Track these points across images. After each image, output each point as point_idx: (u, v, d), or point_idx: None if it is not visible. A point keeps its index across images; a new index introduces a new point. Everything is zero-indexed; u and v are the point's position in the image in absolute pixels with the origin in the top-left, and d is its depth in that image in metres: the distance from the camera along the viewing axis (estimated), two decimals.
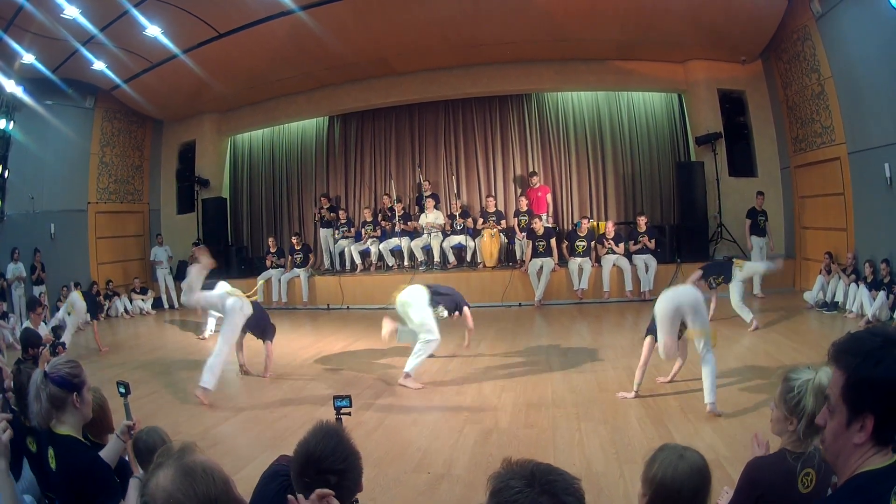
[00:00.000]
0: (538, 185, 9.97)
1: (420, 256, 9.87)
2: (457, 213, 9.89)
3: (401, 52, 9.55)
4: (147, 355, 6.91)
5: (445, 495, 2.99)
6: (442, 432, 3.85)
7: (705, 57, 9.50)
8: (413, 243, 9.84)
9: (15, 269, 9.23)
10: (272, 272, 10.11)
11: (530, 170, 10.36)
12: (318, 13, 7.88)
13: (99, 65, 9.10)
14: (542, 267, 8.78)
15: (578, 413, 4.05)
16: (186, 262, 11.11)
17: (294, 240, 10.28)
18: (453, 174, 10.63)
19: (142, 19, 7.78)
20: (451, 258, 9.76)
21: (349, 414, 2.21)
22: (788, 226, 9.23)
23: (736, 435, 3.40)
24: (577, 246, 8.93)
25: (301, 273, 9.90)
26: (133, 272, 11.30)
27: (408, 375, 4.88)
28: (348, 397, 2.24)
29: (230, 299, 5.00)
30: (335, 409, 2.21)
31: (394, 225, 10.02)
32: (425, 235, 9.87)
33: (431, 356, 5.25)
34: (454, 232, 9.83)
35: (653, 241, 8.83)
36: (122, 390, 2.48)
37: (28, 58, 8.52)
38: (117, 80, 9.82)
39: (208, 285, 5.09)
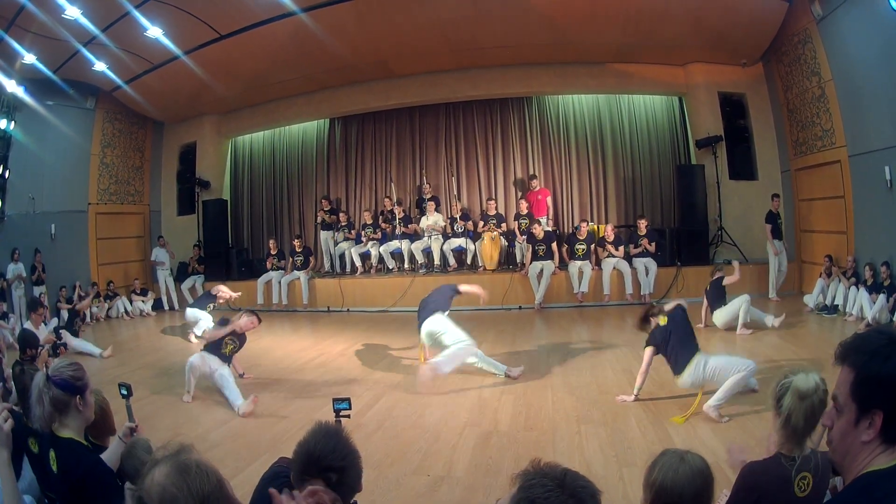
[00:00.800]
0: (538, 188, 9.97)
1: (420, 259, 9.87)
2: (457, 216, 9.88)
3: (401, 55, 9.56)
4: (147, 356, 6.90)
5: (445, 497, 2.99)
6: (442, 435, 3.84)
7: (706, 60, 9.51)
8: (413, 246, 9.85)
9: (15, 270, 9.24)
10: (272, 274, 10.11)
11: (530, 173, 10.37)
12: (319, 15, 7.90)
13: (100, 65, 9.12)
14: (542, 270, 8.77)
15: (578, 416, 4.05)
16: (186, 264, 11.15)
17: (295, 242, 10.27)
18: (453, 177, 10.64)
19: (143, 20, 7.79)
20: (452, 261, 9.74)
21: (349, 416, 2.21)
22: (789, 229, 9.22)
23: (735, 438, 3.39)
24: (577, 249, 8.92)
25: (301, 275, 9.89)
26: (133, 273, 11.33)
27: (435, 365, 4.87)
28: (348, 400, 2.24)
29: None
30: (335, 411, 2.21)
31: (394, 227, 10.02)
32: (425, 238, 9.87)
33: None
34: (454, 235, 9.81)
35: (653, 244, 8.82)
36: (124, 392, 2.48)
37: (29, 58, 8.53)
38: (118, 81, 9.84)
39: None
